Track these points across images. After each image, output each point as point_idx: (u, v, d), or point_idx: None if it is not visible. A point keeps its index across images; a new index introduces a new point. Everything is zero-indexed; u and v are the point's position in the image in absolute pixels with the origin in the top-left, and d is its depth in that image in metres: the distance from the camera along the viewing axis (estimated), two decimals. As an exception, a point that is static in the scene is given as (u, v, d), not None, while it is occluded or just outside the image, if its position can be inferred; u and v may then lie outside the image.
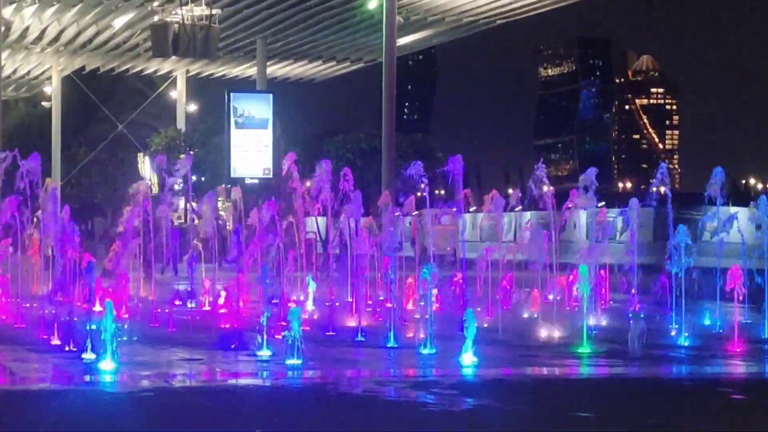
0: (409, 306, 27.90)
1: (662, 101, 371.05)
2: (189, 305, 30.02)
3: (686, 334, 22.79)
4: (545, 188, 30.56)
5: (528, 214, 56.68)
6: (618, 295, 29.75)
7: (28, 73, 71.87)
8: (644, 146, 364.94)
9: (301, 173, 34.00)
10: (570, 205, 31.17)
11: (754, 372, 20.03)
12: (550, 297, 28.32)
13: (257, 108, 60.26)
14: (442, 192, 43.55)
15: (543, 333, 23.54)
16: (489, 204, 30.41)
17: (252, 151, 58.71)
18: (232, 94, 60.64)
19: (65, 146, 74.55)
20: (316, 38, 63.00)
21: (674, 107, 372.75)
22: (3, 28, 50.58)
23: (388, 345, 21.45)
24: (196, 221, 32.50)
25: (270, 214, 29.84)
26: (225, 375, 18.63)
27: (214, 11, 50.52)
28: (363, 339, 22.46)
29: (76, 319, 21.60)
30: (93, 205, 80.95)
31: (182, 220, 52.46)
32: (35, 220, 28.19)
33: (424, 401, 16.07)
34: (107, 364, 18.22)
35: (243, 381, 18.11)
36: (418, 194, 30.50)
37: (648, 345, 20.97)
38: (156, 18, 52.73)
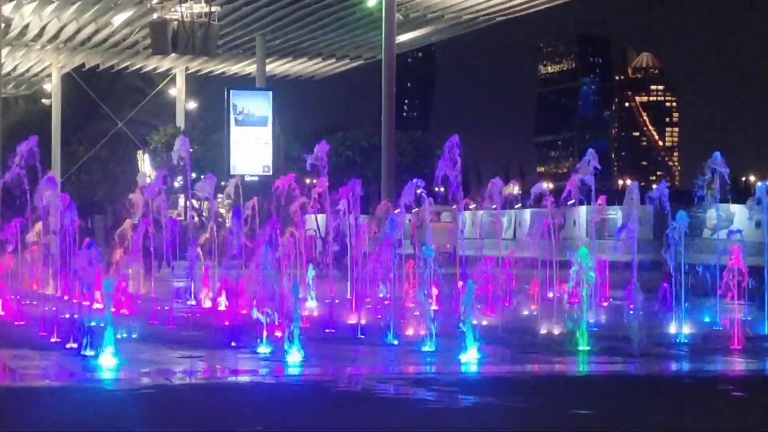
0: (410, 303, 27.88)
1: (662, 98, 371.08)
2: (189, 302, 30.02)
3: (686, 331, 22.80)
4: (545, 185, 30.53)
5: (528, 212, 56.62)
6: (618, 292, 29.72)
7: (28, 70, 71.89)
8: (644, 143, 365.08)
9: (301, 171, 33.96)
10: (571, 201, 31.10)
11: (754, 369, 20.03)
12: (550, 295, 28.30)
13: (257, 105, 60.27)
14: (442, 189, 43.52)
15: (543, 330, 23.53)
16: (489, 193, 30.15)
17: (251, 148, 58.74)
18: (231, 91, 60.66)
19: (65, 143, 74.56)
20: (315, 35, 63.01)
21: (674, 104, 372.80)
22: (3, 26, 50.57)
23: (388, 342, 21.45)
24: (195, 218, 32.46)
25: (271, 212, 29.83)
26: (225, 372, 18.62)
27: (213, 8, 50.54)
28: (363, 336, 22.46)
29: (76, 316, 21.60)
30: (92, 203, 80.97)
31: (182, 218, 52.45)
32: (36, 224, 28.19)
33: (424, 398, 16.07)
34: (107, 361, 18.23)
35: (243, 378, 18.11)
36: (418, 191, 30.46)
37: (649, 342, 20.99)
38: (155, 15, 52.75)
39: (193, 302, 30.06)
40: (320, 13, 58.08)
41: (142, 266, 31.30)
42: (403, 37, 59.52)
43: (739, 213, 40.36)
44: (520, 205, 55.85)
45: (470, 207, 42.10)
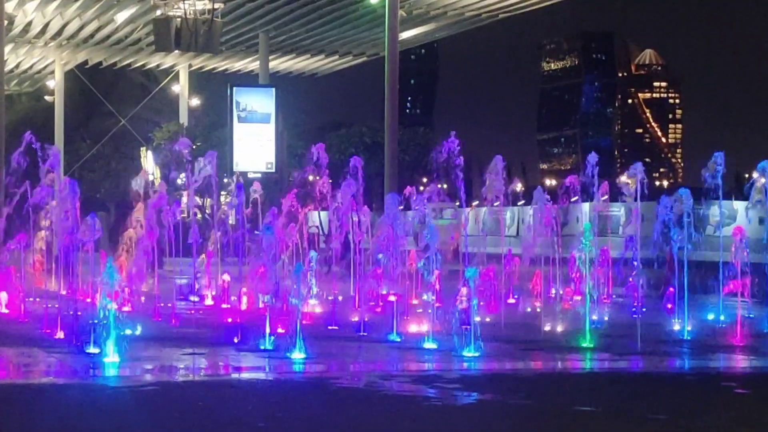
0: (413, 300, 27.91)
1: (665, 95, 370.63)
2: (192, 299, 30.07)
3: (689, 328, 22.82)
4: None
5: (530, 209, 56.56)
6: (620, 289, 29.73)
7: (31, 67, 71.89)
8: (647, 140, 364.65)
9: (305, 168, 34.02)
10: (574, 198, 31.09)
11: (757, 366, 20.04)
12: (553, 291, 28.34)
13: (260, 102, 60.27)
14: (444, 186, 43.52)
15: (546, 327, 23.55)
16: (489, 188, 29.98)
17: (254, 145, 58.73)
18: (234, 88, 60.65)
19: (68, 141, 74.56)
20: (318, 32, 62.96)
21: (677, 101, 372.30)
22: (6, 23, 50.58)
23: (391, 339, 21.47)
24: (198, 215, 32.50)
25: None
26: (228, 369, 18.64)
27: (216, 5, 50.49)
28: (365, 333, 22.48)
29: (80, 313, 21.65)
30: (95, 200, 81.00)
31: (185, 215, 52.47)
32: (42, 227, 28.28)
33: (427, 395, 16.08)
34: (111, 358, 18.27)
35: (246, 375, 18.14)
36: (421, 188, 30.48)
37: (651, 340, 21.02)
38: (158, 12, 52.71)
39: (196, 299, 30.10)
40: (323, 10, 58.04)
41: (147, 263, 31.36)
42: (406, 34, 59.48)
43: (742, 210, 40.32)
44: (523, 201, 55.85)
45: (473, 203, 42.11)
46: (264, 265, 22.34)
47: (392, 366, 19.30)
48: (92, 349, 18.99)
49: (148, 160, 72.78)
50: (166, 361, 18.93)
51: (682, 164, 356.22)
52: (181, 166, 30.99)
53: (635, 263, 25.15)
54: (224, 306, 28.08)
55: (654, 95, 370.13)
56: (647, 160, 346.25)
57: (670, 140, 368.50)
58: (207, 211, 61.23)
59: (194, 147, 67.20)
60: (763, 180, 23.50)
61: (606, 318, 25.13)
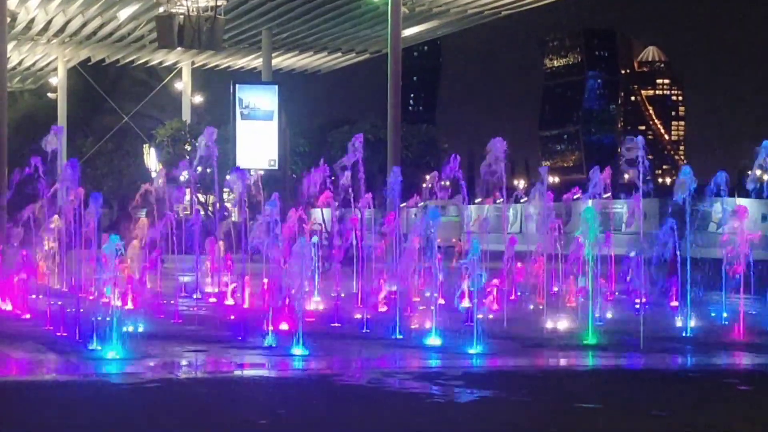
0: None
1: (668, 92, 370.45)
2: (194, 296, 30.08)
3: (692, 324, 22.82)
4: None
5: (532, 206, 56.44)
6: (622, 286, 29.72)
7: (34, 64, 71.93)
8: (650, 137, 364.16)
9: (307, 165, 34.04)
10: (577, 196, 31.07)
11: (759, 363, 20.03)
12: (555, 288, 28.32)
13: (263, 99, 60.29)
14: (447, 183, 43.52)
15: (548, 324, 23.54)
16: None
17: (257, 142, 58.75)
18: (237, 85, 60.67)
19: (71, 138, 74.60)
20: (321, 29, 62.97)
21: (680, 98, 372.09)
22: (9, 20, 50.58)
23: (394, 336, 21.47)
24: (201, 212, 32.50)
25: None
26: (230, 366, 18.65)
27: (219, 2, 50.50)
28: (368, 331, 22.49)
29: (82, 310, 21.67)
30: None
31: (188, 212, 52.50)
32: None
33: (429, 392, 16.09)
34: (114, 355, 18.30)
35: (248, 372, 18.14)
36: (424, 185, 30.46)
37: (653, 337, 21.01)
38: (161, 9, 52.71)
39: (198, 296, 30.13)
40: (326, 7, 58.05)
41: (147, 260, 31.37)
42: (408, 31, 59.47)
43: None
44: (525, 199, 55.80)
45: (475, 201, 42.10)
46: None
47: (395, 363, 19.30)
48: (95, 346, 19.01)
49: (150, 158, 72.82)
50: (169, 358, 18.93)
51: (684, 161, 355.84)
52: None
53: (637, 260, 25.15)
54: (227, 303, 28.12)
55: (657, 92, 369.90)
56: (650, 157, 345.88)
57: (672, 137, 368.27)
58: (210, 208, 61.28)
59: (197, 144, 67.14)
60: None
61: (609, 315, 25.08)
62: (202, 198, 63.46)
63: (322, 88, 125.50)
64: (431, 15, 59.83)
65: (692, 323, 22.96)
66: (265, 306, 21.20)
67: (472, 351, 19.34)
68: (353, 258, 30.54)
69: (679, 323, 23.50)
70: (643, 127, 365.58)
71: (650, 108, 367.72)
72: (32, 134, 73.87)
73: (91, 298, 24.83)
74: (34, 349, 19.73)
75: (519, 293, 29.06)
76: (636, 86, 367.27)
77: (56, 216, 28.65)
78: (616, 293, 29.69)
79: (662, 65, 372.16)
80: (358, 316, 24.05)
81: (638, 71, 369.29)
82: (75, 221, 24.83)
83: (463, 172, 29.61)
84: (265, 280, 22.79)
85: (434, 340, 20.40)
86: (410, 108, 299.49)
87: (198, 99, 79.28)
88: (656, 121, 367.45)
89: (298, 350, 18.89)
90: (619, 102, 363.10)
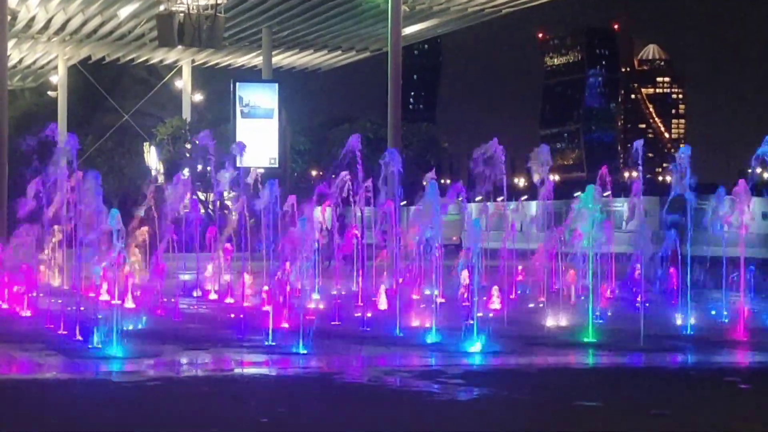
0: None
1: (668, 90, 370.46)
2: (194, 294, 30.10)
3: (692, 323, 22.81)
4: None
5: (534, 204, 56.49)
6: (623, 284, 29.69)
7: (34, 62, 71.91)
8: (650, 135, 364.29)
9: (307, 163, 34.01)
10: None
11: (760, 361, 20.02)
12: (556, 286, 28.27)
13: (263, 97, 60.25)
14: (448, 181, 43.52)
15: (549, 322, 23.54)
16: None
17: (258, 140, 58.71)
18: (237, 83, 60.63)
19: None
20: (321, 27, 62.95)
21: (680, 96, 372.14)
22: (9, 18, 50.57)
23: (394, 334, 21.48)
24: (202, 211, 32.51)
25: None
26: (231, 364, 18.65)
27: (219, 0, 50.48)
28: (368, 329, 22.49)
29: (83, 308, 21.67)
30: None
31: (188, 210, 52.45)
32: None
33: (430, 390, 16.09)
34: (114, 354, 18.30)
35: (248, 370, 18.14)
36: (424, 183, 30.42)
37: (653, 335, 21.01)
38: (161, 7, 52.70)
39: (198, 293, 30.14)
40: (326, 5, 58.02)
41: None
42: (409, 30, 59.44)
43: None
44: (526, 197, 55.79)
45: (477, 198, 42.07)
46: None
47: (395, 361, 19.29)
48: (95, 344, 19.02)
49: (151, 156, 72.81)
50: (169, 357, 18.92)
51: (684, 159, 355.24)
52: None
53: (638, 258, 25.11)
54: (228, 301, 28.12)
55: (657, 90, 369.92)
56: (650, 155, 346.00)
57: (673, 135, 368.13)
58: (210, 207, 61.27)
59: (197, 143, 67.04)
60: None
61: (610, 313, 25.03)
62: (201, 196, 63.45)
63: (322, 87, 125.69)
64: (432, 13, 59.81)
65: (693, 320, 22.95)
66: (266, 304, 21.20)
67: (472, 348, 19.34)
68: (353, 256, 30.52)
69: (679, 321, 23.49)
70: (644, 126, 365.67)
71: (650, 106, 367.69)
72: (32, 133, 73.91)
73: (92, 295, 24.79)
74: (35, 348, 19.72)
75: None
76: (636, 84, 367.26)
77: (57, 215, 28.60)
78: (617, 291, 29.65)
79: (663, 63, 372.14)
80: (358, 313, 24.06)
81: (639, 69, 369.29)
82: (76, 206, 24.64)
83: (463, 171, 29.59)
84: (278, 276, 22.74)
85: (434, 338, 20.40)
86: (410, 106, 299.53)
87: (198, 97, 79.26)
88: (656, 119, 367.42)
89: (298, 348, 18.89)
90: (620, 100, 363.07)
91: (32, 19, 59.34)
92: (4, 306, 26.13)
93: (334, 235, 34.33)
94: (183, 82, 73.44)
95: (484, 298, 24.55)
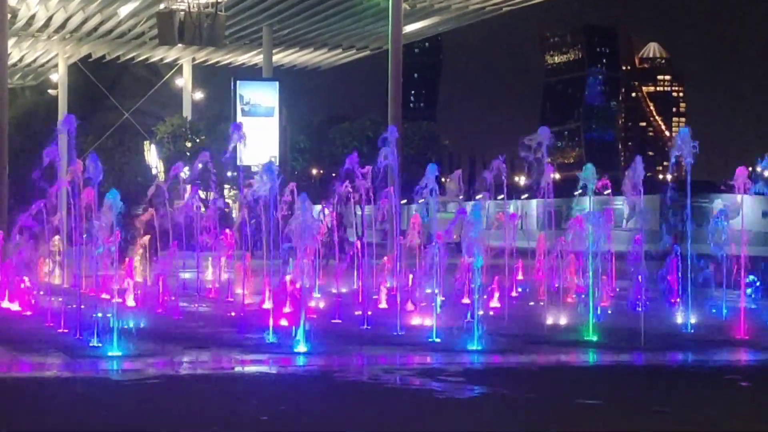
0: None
1: (669, 88, 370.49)
2: (193, 293, 30.07)
3: (692, 321, 22.81)
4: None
5: (534, 202, 56.52)
6: (623, 283, 29.66)
7: (35, 61, 71.91)
8: (651, 133, 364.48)
9: (308, 161, 33.97)
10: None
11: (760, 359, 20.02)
12: (556, 285, 28.24)
13: (263, 96, 60.29)
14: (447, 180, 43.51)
15: (549, 321, 23.52)
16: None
17: (258, 139, 58.70)
18: (238, 82, 60.67)
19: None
20: (322, 26, 62.96)
21: (681, 94, 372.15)
22: (9, 16, 50.57)
23: (395, 333, 21.47)
24: (202, 209, 32.48)
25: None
26: (232, 362, 18.65)
27: (220, -1, 50.50)
28: (368, 327, 22.48)
29: (83, 306, 21.65)
30: (98, 194, 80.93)
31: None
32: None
33: (430, 388, 16.08)
34: (114, 351, 18.31)
35: (249, 368, 18.13)
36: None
37: (654, 334, 21.00)
38: (162, 6, 52.72)
39: (195, 294, 30.12)
40: (327, 3, 58.03)
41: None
42: (409, 28, 59.44)
43: (746, 203, 40.23)
44: (526, 195, 55.82)
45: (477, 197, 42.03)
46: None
47: (396, 359, 19.28)
48: (95, 343, 19.02)
49: (151, 154, 72.80)
50: (169, 355, 18.92)
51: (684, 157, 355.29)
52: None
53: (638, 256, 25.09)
54: (228, 299, 28.11)
55: (658, 89, 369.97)
56: (650, 153, 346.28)
57: (673, 134, 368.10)
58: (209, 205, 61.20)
59: (197, 141, 67.18)
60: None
61: (610, 311, 25.02)
62: (202, 194, 63.43)
63: (322, 85, 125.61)
64: (432, 11, 59.81)
65: (693, 319, 22.94)
66: (266, 302, 21.18)
67: (472, 347, 19.34)
68: (350, 254, 30.49)
69: (679, 319, 23.48)
70: (644, 124, 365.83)
71: (651, 104, 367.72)
72: (33, 131, 73.91)
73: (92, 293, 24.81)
74: (35, 346, 19.72)
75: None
76: (637, 83, 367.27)
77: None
78: (617, 290, 29.62)
79: (663, 62, 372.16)
80: (359, 312, 24.05)
81: (639, 68, 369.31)
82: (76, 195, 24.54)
83: (464, 169, 29.60)
84: (288, 277, 22.71)
85: (435, 337, 20.39)
86: (411, 104, 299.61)
87: (199, 95, 79.28)
88: (657, 117, 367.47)
89: (298, 346, 18.89)
90: (620, 98, 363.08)
91: (32, 17, 59.33)
92: (5, 304, 26.13)
93: (335, 234, 34.34)
94: (183, 81, 73.44)
95: (485, 297, 24.57)
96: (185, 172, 34.62)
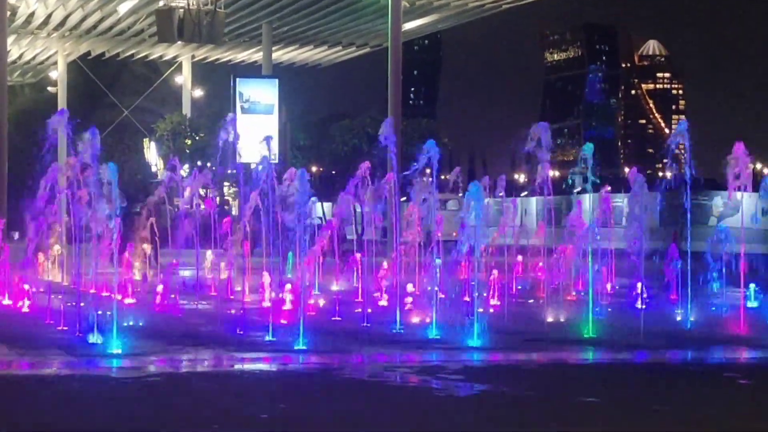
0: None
1: (668, 86, 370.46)
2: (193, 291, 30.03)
3: (691, 319, 22.80)
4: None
5: (534, 200, 56.50)
6: (623, 280, 29.66)
7: (34, 58, 71.88)
8: (650, 131, 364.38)
9: (308, 158, 33.93)
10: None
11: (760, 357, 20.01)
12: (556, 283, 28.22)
13: (263, 93, 60.24)
14: (448, 177, 43.52)
15: (548, 319, 23.51)
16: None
17: (258, 136, 58.66)
18: (237, 79, 60.62)
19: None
20: (321, 23, 62.94)
21: (680, 92, 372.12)
22: (8, 13, 50.55)
23: (394, 330, 21.46)
24: (201, 207, 32.48)
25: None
26: (231, 360, 18.64)
27: (219, -4, 50.49)
28: (368, 324, 22.47)
29: (83, 304, 21.64)
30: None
31: (188, 206, 52.42)
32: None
33: (430, 386, 16.08)
34: (113, 349, 18.30)
35: (248, 366, 18.13)
36: (424, 179, 30.30)
37: (654, 333, 21.00)
38: (161, 3, 52.69)
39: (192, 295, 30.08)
40: (326, 1, 58.02)
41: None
42: (409, 25, 59.44)
43: (746, 201, 40.20)
44: (526, 192, 55.79)
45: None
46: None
47: (396, 357, 19.27)
48: (94, 340, 19.01)
49: (151, 152, 72.77)
50: (169, 353, 18.91)
51: (685, 155, 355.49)
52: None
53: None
54: (229, 298, 28.08)
55: (657, 86, 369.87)
56: (650, 150, 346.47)
57: (673, 131, 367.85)
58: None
59: (197, 138, 67.14)
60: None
61: (610, 309, 25.00)
62: (201, 192, 63.41)
63: (322, 82, 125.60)
64: (432, 8, 59.79)
65: (692, 317, 22.93)
66: (266, 300, 21.17)
67: (472, 344, 19.33)
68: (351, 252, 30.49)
69: (679, 317, 23.47)
70: (644, 121, 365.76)
71: (650, 102, 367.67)
72: (32, 128, 73.82)
73: (92, 291, 24.76)
74: (35, 345, 19.71)
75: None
76: (636, 80, 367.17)
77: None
78: (617, 287, 29.60)
79: (663, 59, 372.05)
80: (359, 309, 24.05)
81: (639, 65, 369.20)
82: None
83: (464, 166, 29.57)
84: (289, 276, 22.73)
85: (435, 334, 20.38)
86: (411, 102, 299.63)
87: (198, 93, 79.24)
88: (657, 115, 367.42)
89: (298, 344, 18.88)
90: (620, 96, 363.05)
91: (32, 14, 59.32)
92: (5, 302, 26.12)
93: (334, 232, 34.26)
94: (183, 78, 73.42)
95: (485, 294, 24.56)
96: (185, 170, 34.57)
